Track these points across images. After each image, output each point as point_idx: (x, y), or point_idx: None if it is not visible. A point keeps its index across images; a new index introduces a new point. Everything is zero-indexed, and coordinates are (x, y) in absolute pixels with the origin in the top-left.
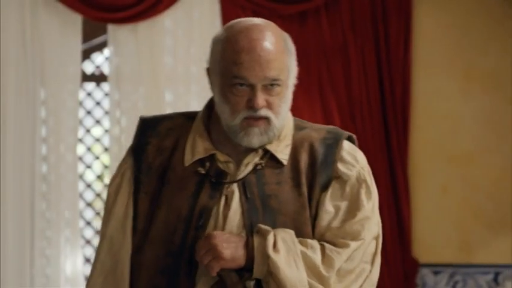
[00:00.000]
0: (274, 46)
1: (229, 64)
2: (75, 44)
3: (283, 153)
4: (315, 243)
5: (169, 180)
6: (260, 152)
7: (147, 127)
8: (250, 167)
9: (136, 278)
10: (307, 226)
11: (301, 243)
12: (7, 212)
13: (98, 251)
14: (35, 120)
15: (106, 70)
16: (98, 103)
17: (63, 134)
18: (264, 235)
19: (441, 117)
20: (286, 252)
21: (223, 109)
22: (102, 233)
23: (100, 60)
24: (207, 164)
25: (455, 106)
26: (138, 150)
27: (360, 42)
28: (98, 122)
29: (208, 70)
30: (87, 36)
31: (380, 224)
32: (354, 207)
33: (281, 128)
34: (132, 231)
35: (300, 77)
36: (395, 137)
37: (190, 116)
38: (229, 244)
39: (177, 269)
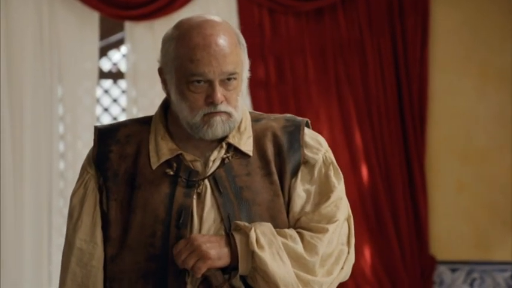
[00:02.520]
0: (228, 40)
1: (184, 61)
2: (92, 41)
3: (246, 144)
4: (293, 232)
5: (140, 185)
6: (224, 146)
7: (105, 136)
8: (217, 163)
9: (118, 286)
10: (282, 214)
11: (280, 234)
12: (25, 209)
13: (67, 262)
14: (52, 118)
15: (123, 67)
16: (115, 100)
17: (81, 131)
18: (244, 232)
19: (457, 115)
20: (269, 246)
21: (182, 107)
22: (70, 244)
23: (117, 58)
24: (174, 165)
25: (471, 104)
26: (100, 159)
27: (376, 39)
28: (115, 119)
29: (161, 70)
30: (104, 34)
31: (349, 205)
32: (326, 189)
33: (239, 121)
34: (105, 240)
35: (317, 73)
36: (412, 134)
37: (144, 121)
38: (212, 244)
39: (164, 271)
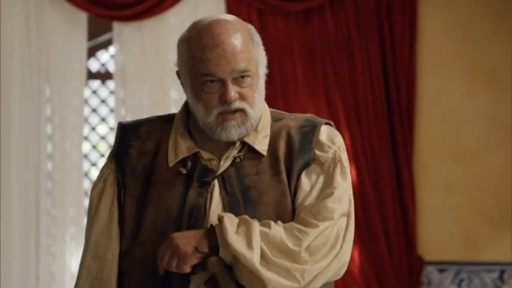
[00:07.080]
0: (238, 39)
1: (196, 63)
2: (80, 42)
3: (261, 143)
4: (278, 223)
5: (155, 182)
6: (238, 145)
7: (127, 132)
8: (229, 161)
9: (127, 281)
10: (289, 213)
11: (263, 224)
12: (13, 210)
13: (83, 256)
14: (40, 118)
15: (111, 68)
16: (103, 101)
17: (69, 131)
18: (220, 222)
19: (446, 115)
20: (244, 235)
21: (197, 108)
22: (87, 238)
23: (105, 58)
24: (189, 164)
25: (460, 104)
26: (120, 154)
27: (364, 40)
28: (103, 119)
29: (178, 72)
30: (92, 34)
31: (352, 203)
32: (329, 186)
33: (258, 118)
34: (120, 235)
35: (305, 74)
36: (400, 134)
37: (168, 119)
38: (189, 240)
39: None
